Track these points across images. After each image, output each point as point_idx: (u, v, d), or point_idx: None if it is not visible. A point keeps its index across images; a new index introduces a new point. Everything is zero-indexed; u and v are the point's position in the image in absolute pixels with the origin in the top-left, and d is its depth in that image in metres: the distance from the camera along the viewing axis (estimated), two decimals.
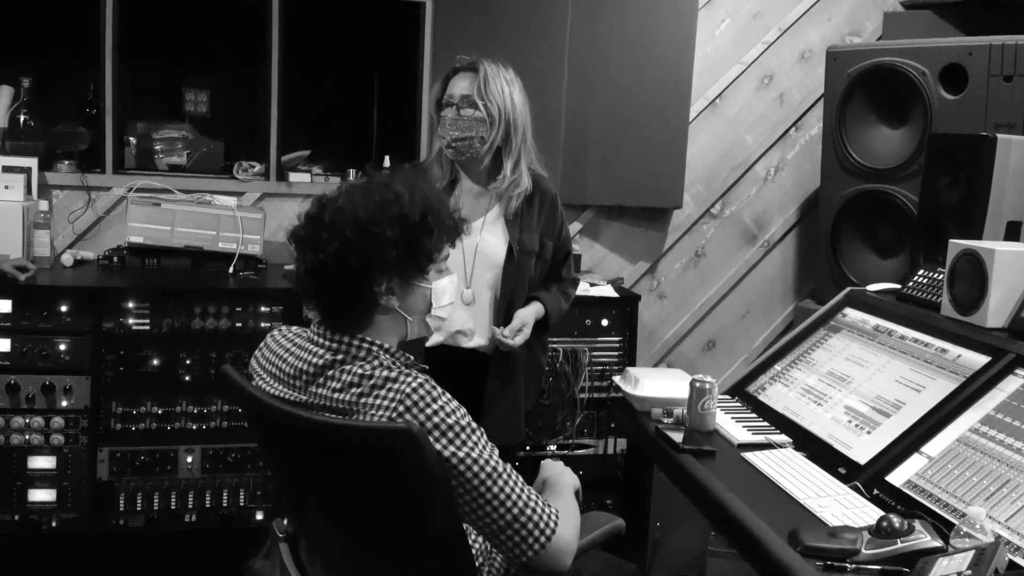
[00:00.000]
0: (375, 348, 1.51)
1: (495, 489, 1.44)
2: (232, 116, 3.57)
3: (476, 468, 1.42)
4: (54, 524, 2.81)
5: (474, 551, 1.70)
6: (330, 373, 1.48)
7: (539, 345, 2.56)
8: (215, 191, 3.28)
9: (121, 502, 2.85)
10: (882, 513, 1.54)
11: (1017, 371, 1.82)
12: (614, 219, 3.78)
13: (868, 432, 1.91)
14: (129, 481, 2.86)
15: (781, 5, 3.80)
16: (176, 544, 2.90)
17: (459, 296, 2.38)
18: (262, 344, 1.65)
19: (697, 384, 2.04)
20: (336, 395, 1.46)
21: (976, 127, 2.81)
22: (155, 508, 2.87)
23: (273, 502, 2.94)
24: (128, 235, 3.07)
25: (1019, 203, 2.48)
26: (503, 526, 1.46)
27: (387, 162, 3.44)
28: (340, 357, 1.50)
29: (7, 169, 3.03)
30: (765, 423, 2.11)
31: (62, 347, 2.78)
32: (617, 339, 3.29)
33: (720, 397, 2.18)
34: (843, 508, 1.66)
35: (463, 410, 1.45)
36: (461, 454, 1.41)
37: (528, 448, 3.21)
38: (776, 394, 2.24)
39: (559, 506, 1.56)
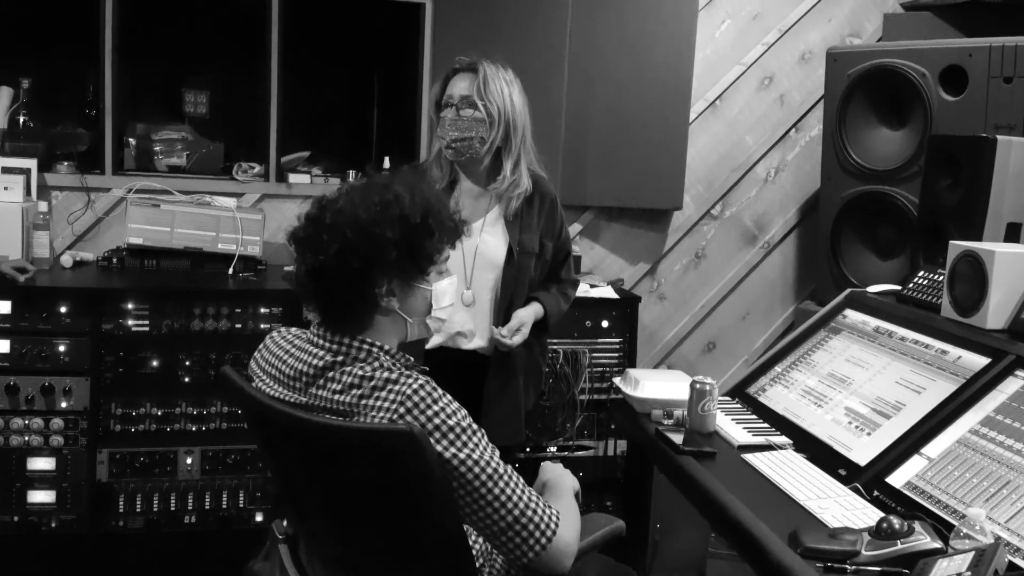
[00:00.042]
0: (375, 349, 1.51)
1: (496, 490, 1.44)
2: (232, 117, 3.57)
3: (477, 470, 1.42)
4: (54, 525, 2.81)
5: (474, 552, 1.70)
6: (330, 374, 1.48)
7: (539, 346, 2.56)
8: (215, 192, 3.28)
9: (121, 503, 2.85)
10: (882, 514, 1.54)
11: (1017, 372, 1.82)
12: (614, 220, 3.78)
13: (868, 433, 1.91)
14: (129, 482, 2.86)
15: (781, 6, 3.80)
16: (176, 545, 2.89)
17: (459, 297, 2.38)
18: (261, 345, 1.65)
19: (697, 386, 2.04)
20: (336, 396, 1.46)
21: (976, 128, 2.81)
22: (155, 509, 2.86)
23: (273, 503, 2.94)
24: (127, 236, 3.07)
25: (1019, 204, 2.48)
26: (504, 527, 1.46)
27: (387, 163, 3.44)
28: (340, 358, 1.49)
29: (6, 170, 3.03)
30: (765, 424, 2.11)
31: (61, 348, 2.78)
32: (617, 340, 3.29)
33: (720, 399, 2.18)
34: (843, 509, 1.66)
35: (464, 411, 1.45)
36: (462, 455, 1.41)
37: (528, 450, 3.21)
38: (776, 395, 2.23)
39: (560, 508, 1.56)
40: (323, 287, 1.51)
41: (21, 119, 3.15)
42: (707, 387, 2.03)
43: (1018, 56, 2.81)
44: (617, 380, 2.33)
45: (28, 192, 3.08)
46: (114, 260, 3.10)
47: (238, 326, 2.90)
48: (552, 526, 1.49)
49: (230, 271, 3.09)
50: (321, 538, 1.63)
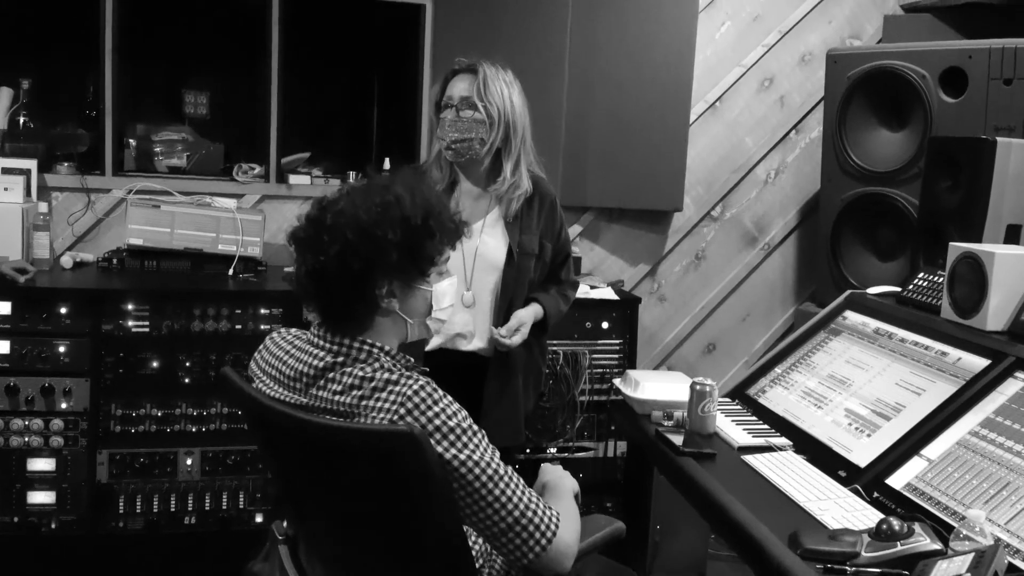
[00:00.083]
0: (375, 350, 1.51)
1: (496, 491, 1.44)
2: (232, 118, 3.57)
3: (477, 471, 1.42)
4: (53, 526, 2.81)
5: (474, 553, 1.70)
6: (330, 375, 1.48)
7: (538, 347, 2.56)
8: (215, 193, 3.28)
9: (120, 504, 2.84)
10: (882, 516, 1.54)
11: (1017, 374, 1.82)
12: (614, 221, 3.78)
13: (868, 435, 1.91)
14: (129, 483, 2.86)
15: (781, 8, 3.80)
16: (176, 546, 2.89)
17: (459, 298, 2.38)
18: (261, 346, 1.65)
19: (697, 387, 2.04)
20: (337, 397, 1.46)
21: (976, 130, 2.81)
22: (155, 510, 2.86)
23: (273, 504, 2.94)
24: (128, 237, 3.07)
25: (1019, 206, 2.48)
26: (504, 528, 1.46)
27: (387, 164, 3.44)
28: (340, 359, 1.49)
29: (6, 171, 3.03)
30: (765, 426, 2.11)
31: (61, 349, 2.77)
32: (617, 342, 3.29)
33: (720, 400, 2.18)
34: (843, 511, 1.66)
35: (464, 412, 1.45)
36: (462, 456, 1.41)
37: (528, 451, 3.21)
38: (776, 397, 2.23)
39: (560, 509, 1.56)
40: (323, 288, 1.51)
41: (21, 120, 3.15)
42: (707, 388, 2.03)
43: (1018, 58, 2.81)
44: (617, 381, 2.33)
45: (28, 193, 3.07)
46: (114, 261, 3.10)
47: (238, 327, 2.90)
48: (552, 527, 1.49)
49: (230, 272, 3.09)
50: (321, 539, 1.63)
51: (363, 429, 1.41)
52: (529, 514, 1.47)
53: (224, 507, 2.92)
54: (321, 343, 1.52)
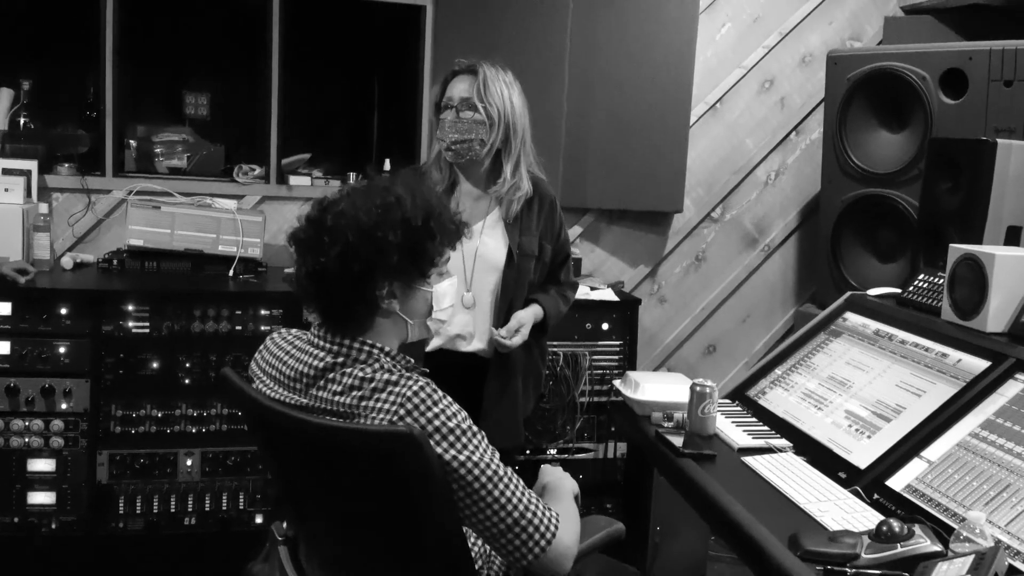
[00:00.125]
0: (376, 351, 1.51)
1: (496, 492, 1.44)
2: (232, 119, 3.58)
3: (477, 471, 1.42)
4: (53, 527, 2.81)
5: (473, 554, 1.70)
6: (330, 376, 1.48)
7: (538, 348, 2.56)
8: (215, 194, 3.28)
9: (120, 505, 2.84)
10: (882, 518, 1.54)
11: (1017, 376, 1.82)
12: (614, 223, 3.78)
13: (868, 436, 1.91)
14: (129, 484, 2.86)
15: (782, 9, 3.81)
16: (175, 547, 2.89)
17: (459, 300, 2.38)
18: (262, 347, 1.65)
19: (697, 388, 2.04)
20: (337, 398, 1.46)
21: (976, 132, 2.81)
22: (154, 511, 2.86)
23: (273, 505, 2.94)
24: (128, 238, 3.07)
25: (1019, 208, 2.48)
26: (504, 529, 1.46)
27: (387, 165, 3.45)
28: (340, 360, 1.49)
29: (7, 171, 3.03)
30: (765, 427, 2.10)
31: (62, 350, 2.78)
32: (617, 343, 3.29)
33: (720, 401, 2.18)
34: (843, 512, 1.65)
35: (464, 413, 1.45)
36: (462, 457, 1.41)
37: (528, 452, 3.20)
38: (776, 398, 2.23)
39: (559, 510, 1.56)
40: (324, 289, 1.51)
41: (22, 120, 3.16)
42: (707, 390, 2.03)
43: (1018, 59, 2.81)
44: (617, 383, 2.33)
45: (28, 194, 3.08)
46: (114, 262, 3.10)
47: (238, 328, 2.90)
48: (552, 528, 1.49)
49: (230, 273, 3.09)
50: (321, 539, 1.63)
51: (363, 430, 1.41)
52: (528, 515, 1.47)
53: (224, 508, 2.92)
54: (321, 344, 1.52)
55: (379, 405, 1.42)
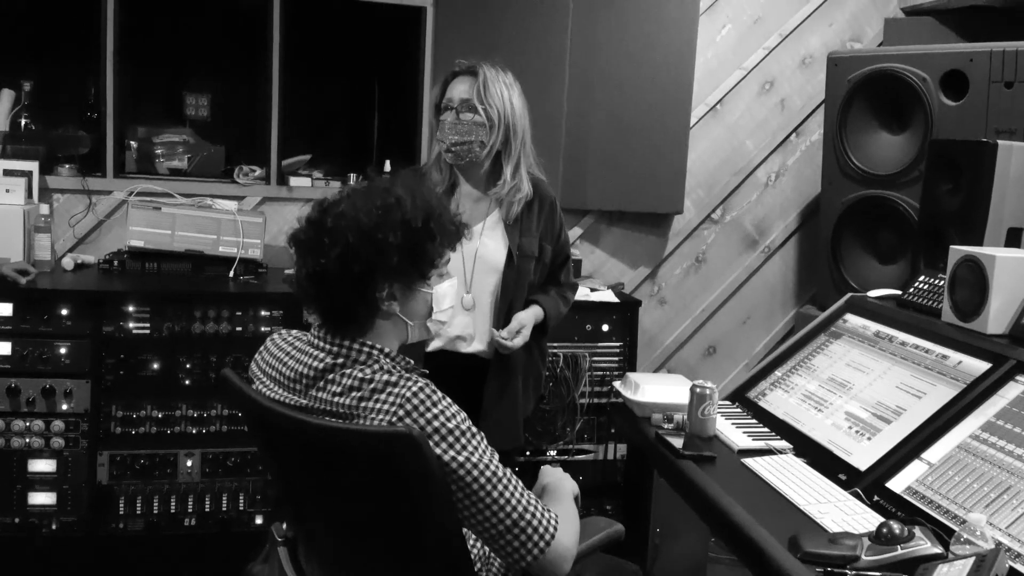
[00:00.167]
0: (375, 352, 1.51)
1: (495, 494, 1.44)
2: (233, 120, 3.58)
3: (476, 472, 1.42)
4: (54, 527, 2.81)
5: (472, 556, 1.70)
6: (330, 377, 1.48)
7: (538, 350, 2.56)
8: (216, 195, 3.28)
9: (121, 506, 2.85)
10: (882, 519, 1.54)
11: (1018, 377, 1.81)
12: (615, 224, 3.78)
13: (868, 438, 1.91)
14: (129, 485, 2.86)
15: (782, 11, 3.81)
16: (175, 548, 2.89)
17: (459, 301, 2.38)
18: (262, 348, 1.65)
19: (697, 390, 2.04)
20: (336, 399, 1.46)
21: (977, 133, 2.81)
22: (155, 512, 2.86)
23: (272, 506, 2.94)
24: (128, 239, 3.07)
25: (1020, 209, 2.48)
26: (503, 531, 1.46)
27: (388, 166, 3.45)
28: (340, 361, 1.49)
29: (8, 173, 3.04)
30: (765, 429, 2.10)
31: (62, 351, 2.78)
32: (617, 344, 3.29)
33: (720, 403, 2.18)
34: (843, 514, 1.65)
35: (463, 414, 1.45)
36: (461, 458, 1.41)
37: (528, 453, 3.20)
38: (776, 400, 2.23)
39: (559, 511, 1.56)
40: (324, 291, 1.51)
41: (23, 122, 3.16)
42: (707, 391, 2.03)
43: (1019, 61, 2.81)
44: (617, 384, 2.33)
45: (29, 195, 3.08)
46: (115, 263, 3.10)
47: (239, 329, 2.90)
48: (551, 530, 1.49)
49: (231, 274, 3.10)
50: (320, 540, 1.63)
51: (362, 430, 1.41)
52: (528, 516, 1.47)
53: (224, 509, 2.92)
54: (321, 345, 1.52)
55: (378, 406, 1.42)
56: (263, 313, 2.91)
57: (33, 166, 3.10)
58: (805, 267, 3.98)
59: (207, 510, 2.90)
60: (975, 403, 1.82)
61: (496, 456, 1.47)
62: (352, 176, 3.48)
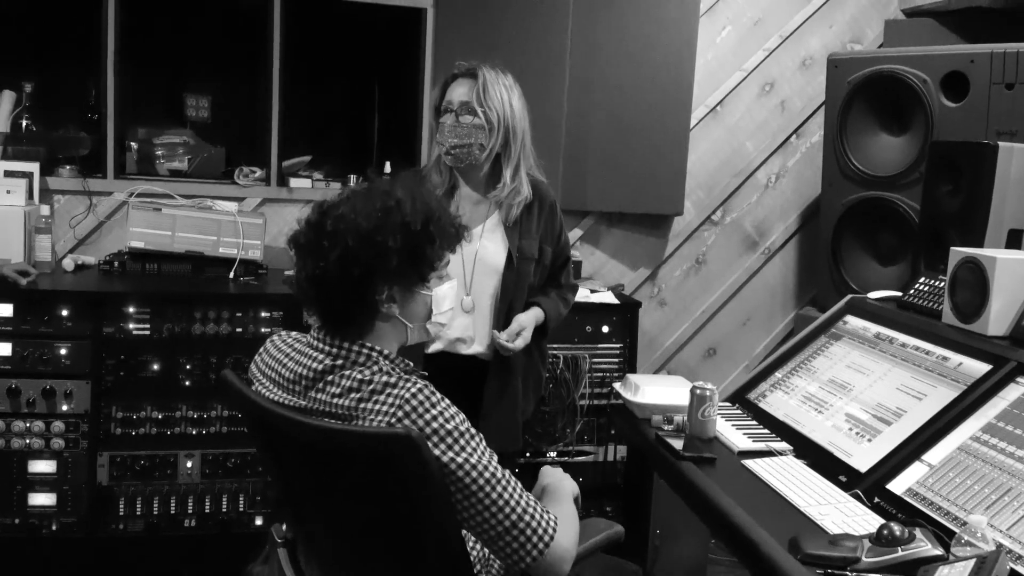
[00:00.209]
0: (375, 354, 1.51)
1: (493, 495, 1.44)
2: (233, 121, 3.58)
3: (475, 474, 1.42)
4: (54, 528, 2.81)
5: (472, 558, 1.70)
6: (329, 378, 1.48)
7: (538, 352, 2.56)
8: (216, 196, 3.29)
9: (121, 506, 2.85)
10: (883, 521, 1.54)
11: (1018, 379, 1.81)
12: (615, 226, 3.78)
13: (869, 440, 1.91)
14: (129, 486, 2.86)
15: (782, 12, 3.81)
16: (175, 549, 2.89)
17: (459, 303, 2.38)
18: (261, 349, 1.65)
19: (698, 391, 2.04)
20: (335, 400, 1.46)
21: (977, 135, 2.81)
22: (155, 513, 2.86)
23: (272, 507, 2.94)
24: (129, 240, 3.07)
25: (1020, 211, 2.48)
26: (501, 532, 1.46)
27: (388, 168, 3.45)
28: (340, 362, 1.49)
29: (9, 174, 3.04)
30: (765, 430, 2.10)
31: (63, 351, 2.78)
32: (617, 346, 3.29)
33: (720, 404, 2.18)
34: (844, 516, 1.65)
35: (462, 416, 1.45)
36: (460, 460, 1.41)
37: (528, 455, 3.20)
38: (777, 401, 2.23)
39: (558, 512, 1.56)
40: (324, 293, 1.51)
41: (24, 123, 3.16)
42: (707, 393, 2.03)
43: (1020, 62, 2.81)
44: (617, 385, 2.32)
45: (30, 196, 3.08)
46: (115, 264, 3.10)
47: (239, 330, 2.90)
48: (550, 531, 1.49)
49: (231, 275, 3.10)
50: (320, 541, 1.63)
51: (361, 432, 1.41)
52: (527, 518, 1.47)
53: (224, 510, 2.92)
54: (320, 346, 1.52)
55: (377, 407, 1.42)
56: (263, 314, 2.91)
57: (34, 167, 3.10)
58: (805, 269, 3.98)
59: (207, 511, 2.90)
60: (976, 405, 1.82)
61: (495, 457, 1.47)
62: (352, 177, 3.48)
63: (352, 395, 1.45)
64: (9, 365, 2.75)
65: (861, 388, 2.09)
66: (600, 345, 3.27)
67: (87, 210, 3.28)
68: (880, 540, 1.47)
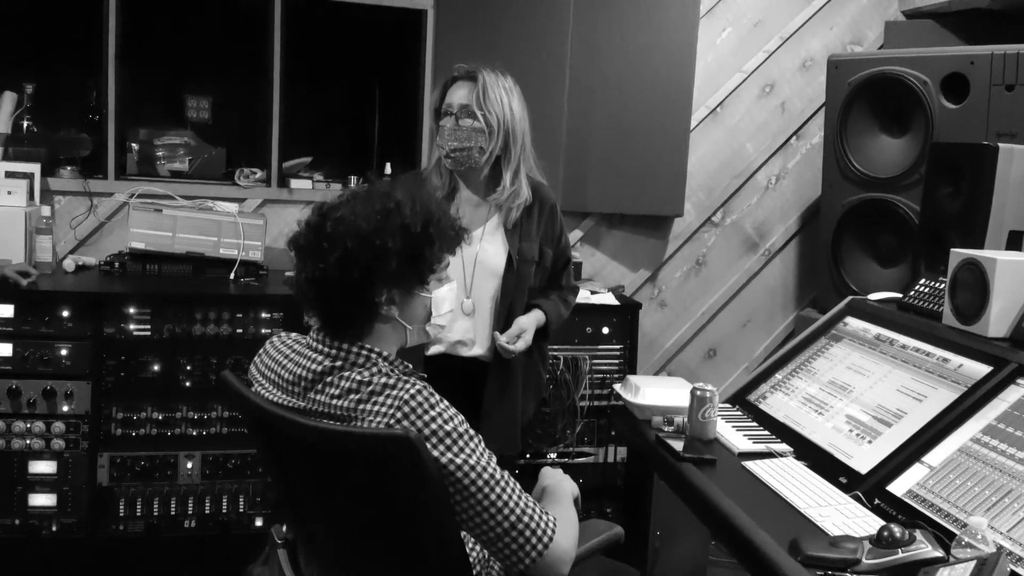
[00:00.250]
0: (374, 356, 1.51)
1: (492, 496, 1.44)
2: (234, 122, 3.58)
3: (474, 475, 1.42)
4: (54, 529, 2.81)
5: (471, 559, 1.70)
6: (329, 379, 1.48)
7: (539, 354, 2.56)
8: (216, 197, 3.29)
9: (121, 507, 2.85)
10: (883, 523, 1.54)
11: (1019, 381, 1.81)
12: (615, 227, 3.78)
13: (869, 441, 1.91)
14: (129, 486, 2.86)
15: (783, 14, 3.81)
16: (175, 550, 2.89)
17: (459, 306, 2.38)
18: (261, 350, 1.65)
19: (698, 392, 2.04)
20: (335, 401, 1.46)
21: (978, 136, 2.81)
22: (155, 514, 2.86)
23: (272, 508, 2.94)
24: (129, 241, 3.08)
25: (1021, 212, 2.48)
26: (500, 533, 1.46)
27: (388, 169, 3.45)
28: (339, 364, 1.49)
29: (10, 175, 3.04)
30: (766, 432, 2.10)
31: (63, 352, 2.78)
32: (618, 347, 3.29)
33: (721, 406, 2.18)
34: (844, 517, 1.65)
35: (461, 417, 1.45)
36: (459, 461, 1.41)
37: (528, 456, 3.20)
38: (777, 403, 2.23)
39: (558, 514, 1.56)
40: (323, 295, 1.51)
41: (25, 124, 3.17)
42: (707, 394, 2.03)
43: (1020, 64, 2.81)
44: (617, 387, 2.32)
45: (31, 196, 3.09)
46: (116, 264, 3.10)
47: (239, 331, 2.90)
48: (549, 532, 1.49)
49: (231, 276, 3.10)
50: (319, 542, 1.63)
51: (360, 433, 1.41)
52: (526, 519, 1.47)
53: (224, 511, 2.92)
54: (320, 348, 1.53)
55: (376, 408, 1.42)
56: (263, 315, 2.91)
57: (35, 168, 3.11)
58: (805, 270, 3.98)
59: (207, 512, 2.90)
60: (976, 406, 1.81)
61: (494, 459, 1.47)
62: (353, 178, 3.48)
63: (351, 396, 1.45)
64: (10, 366, 2.75)
65: (861, 390, 2.09)
66: (600, 346, 3.27)
67: (88, 211, 3.29)
68: (880, 542, 1.47)
